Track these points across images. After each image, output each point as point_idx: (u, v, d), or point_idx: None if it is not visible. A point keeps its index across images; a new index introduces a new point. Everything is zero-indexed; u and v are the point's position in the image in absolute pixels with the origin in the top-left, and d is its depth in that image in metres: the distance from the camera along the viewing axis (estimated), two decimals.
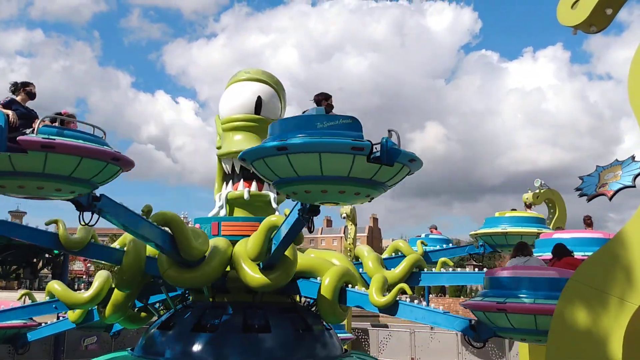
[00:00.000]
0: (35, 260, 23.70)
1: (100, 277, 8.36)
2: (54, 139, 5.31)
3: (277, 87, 9.39)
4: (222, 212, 8.81)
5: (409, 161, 5.54)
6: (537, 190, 13.95)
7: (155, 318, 9.31)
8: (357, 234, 18.67)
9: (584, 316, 4.74)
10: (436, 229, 15.83)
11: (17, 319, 9.84)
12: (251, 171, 8.82)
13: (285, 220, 6.84)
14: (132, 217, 6.68)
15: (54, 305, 9.13)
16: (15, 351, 10.39)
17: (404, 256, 10.96)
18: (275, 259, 7.36)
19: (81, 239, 7.63)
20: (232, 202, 8.87)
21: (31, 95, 6.10)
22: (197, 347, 7.45)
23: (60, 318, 10.11)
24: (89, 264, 55.54)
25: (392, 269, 10.12)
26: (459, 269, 12.04)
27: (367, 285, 8.49)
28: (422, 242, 11.99)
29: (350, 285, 7.91)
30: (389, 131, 5.33)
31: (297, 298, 8.91)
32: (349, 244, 18.02)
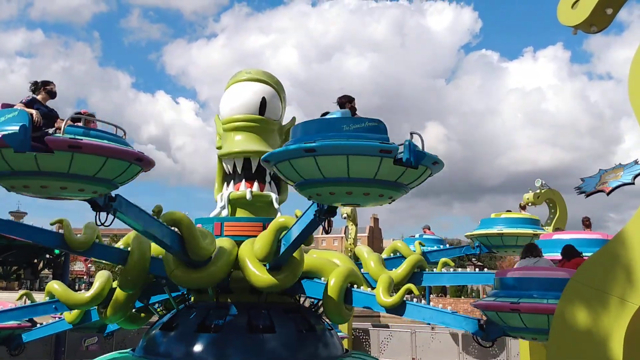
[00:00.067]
0: (36, 260, 23.78)
1: (101, 277, 8.33)
2: (81, 139, 5.32)
3: (277, 87, 9.40)
4: (224, 213, 8.82)
5: (433, 163, 5.62)
6: (538, 190, 13.99)
7: (154, 318, 9.31)
8: (358, 234, 18.68)
9: (584, 316, 4.74)
10: (429, 229, 15.89)
11: (17, 320, 9.84)
12: (253, 171, 8.93)
13: (297, 221, 6.87)
14: (145, 217, 6.70)
15: (53, 306, 9.08)
16: (9, 353, 10.33)
17: (402, 256, 11.01)
18: (283, 260, 7.38)
19: (86, 239, 7.60)
20: (234, 203, 8.86)
21: (52, 94, 6.05)
22: (202, 348, 7.44)
23: (56, 319, 10.07)
24: (89, 264, 55.56)
25: (394, 269, 10.15)
26: (459, 269, 12.09)
27: (369, 285, 8.53)
28: (420, 243, 12.08)
29: (355, 286, 7.95)
30: (411, 133, 5.40)
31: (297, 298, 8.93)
32: (350, 244, 18.03)
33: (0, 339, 10.04)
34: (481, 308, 6.60)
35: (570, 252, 7.52)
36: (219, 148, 9.26)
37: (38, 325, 10.41)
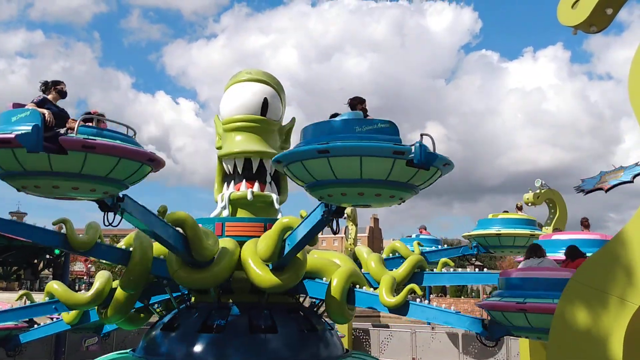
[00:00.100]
0: (36, 261, 23.74)
1: (102, 277, 8.33)
2: (95, 139, 5.33)
3: (278, 88, 9.41)
4: (225, 213, 8.82)
5: (443, 165, 5.65)
6: (538, 191, 14.00)
7: (153, 319, 9.30)
8: (358, 234, 18.68)
9: (584, 316, 4.75)
10: (425, 229, 15.89)
11: (16, 320, 9.83)
12: (254, 171, 8.93)
13: (303, 221, 6.88)
14: (151, 217, 6.72)
15: (53, 306, 9.07)
16: (6, 353, 10.29)
17: (401, 256, 11.04)
18: (286, 260, 7.40)
19: (89, 239, 7.60)
20: (235, 203, 8.87)
21: (62, 94, 6.03)
22: (204, 348, 7.45)
23: (53, 319, 10.05)
24: (89, 265, 55.46)
25: (394, 270, 10.16)
26: (459, 269, 12.12)
27: (370, 285, 8.54)
28: (418, 243, 12.13)
29: (357, 286, 7.98)
30: (422, 135, 5.43)
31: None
32: (350, 244, 18.01)
33: None
34: (487, 308, 6.66)
35: (574, 253, 7.64)
36: (219, 148, 9.26)
37: (38, 325, 10.39)
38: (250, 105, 8.98)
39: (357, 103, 6.35)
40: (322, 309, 8.68)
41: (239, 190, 8.90)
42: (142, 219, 6.55)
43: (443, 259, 11.52)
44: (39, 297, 10.11)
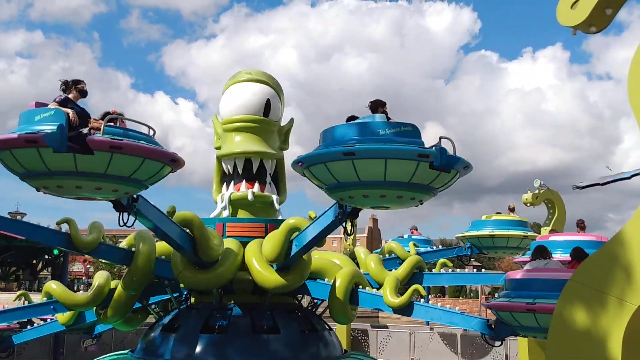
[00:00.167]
0: (34, 261, 23.70)
1: (101, 278, 8.32)
2: (122, 140, 5.31)
3: (277, 88, 9.41)
4: (225, 213, 8.81)
5: (464, 168, 5.74)
6: (537, 191, 14.01)
7: (150, 320, 9.28)
8: (357, 235, 18.70)
9: (583, 316, 4.76)
10: (416, 229, 15.92)
11: (16, 320, 9.81)
12: (254, 172, 8.92)
13: (313, 222, 6.90)
14: (163, 218, 6.73)
15: (52, 307, 9.06)
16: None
17: (398, 257, 11.07)
18: (292, 261, 7.41)
19: (93, 239, 7.55)
20: (235, 203, 8.85)
21: (83, 93, 5.98)
22: (206, 349, 7.44)
23: (48, 320, 10.01)
24: (88, 265, 55.40)
25: (393, 270, 10.19)
26: (458, 270, 12.16)
27: (371, 285, 8.56)
28: (414, 244, 12.19)
29: (360, 287, 8.01)
30: (441, 138, 5.53)
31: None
32: (349, 244, 18.04)
33: None
34: (495, 309, 6.72)
35: (579, 254, 7.71)
36: (218, 148, 9.25)
37: (35, 325, 10.34)
38: (250, 105, 8.97)
39: (378, 106, 6.38)
40: (322, 309, 8.69)
41: (239, 190, 8.89)
42: (154, 219, 6.55)
43: (442, 260, 11.55)
44: (37, 298, 10.09)
